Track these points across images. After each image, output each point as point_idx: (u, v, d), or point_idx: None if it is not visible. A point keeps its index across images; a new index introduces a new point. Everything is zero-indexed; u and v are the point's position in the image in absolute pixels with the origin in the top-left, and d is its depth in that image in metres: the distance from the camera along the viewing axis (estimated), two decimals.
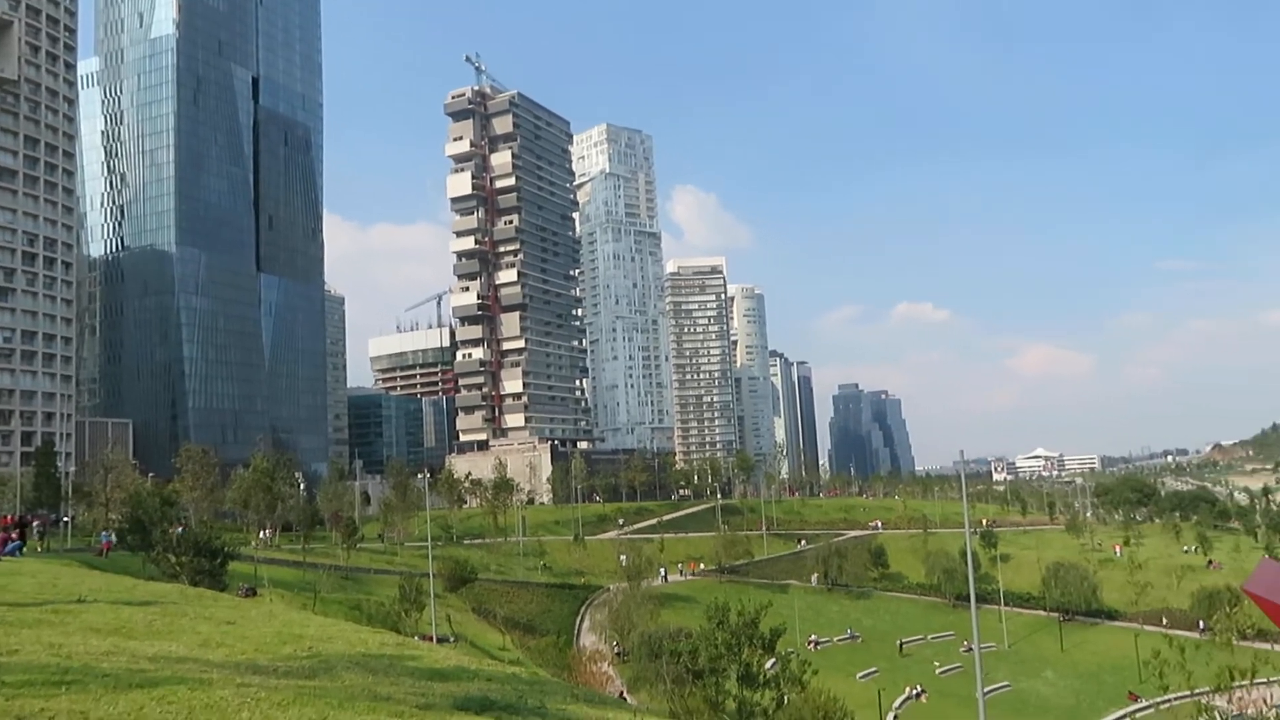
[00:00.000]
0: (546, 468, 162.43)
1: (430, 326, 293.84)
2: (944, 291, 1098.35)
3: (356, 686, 9.49)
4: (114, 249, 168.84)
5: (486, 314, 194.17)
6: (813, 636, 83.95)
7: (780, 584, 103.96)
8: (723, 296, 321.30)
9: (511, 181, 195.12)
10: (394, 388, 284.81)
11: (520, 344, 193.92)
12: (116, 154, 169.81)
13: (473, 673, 12.62)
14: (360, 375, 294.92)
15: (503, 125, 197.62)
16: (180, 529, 55.24)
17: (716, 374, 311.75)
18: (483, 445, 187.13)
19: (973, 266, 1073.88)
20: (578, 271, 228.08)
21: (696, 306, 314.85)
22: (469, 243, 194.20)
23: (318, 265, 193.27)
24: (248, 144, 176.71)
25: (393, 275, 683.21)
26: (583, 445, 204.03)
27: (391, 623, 50.24)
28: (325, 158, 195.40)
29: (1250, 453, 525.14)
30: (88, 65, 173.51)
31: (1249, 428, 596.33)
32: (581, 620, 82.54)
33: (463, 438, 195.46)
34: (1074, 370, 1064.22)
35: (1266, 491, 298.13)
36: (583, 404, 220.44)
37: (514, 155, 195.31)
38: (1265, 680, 42.84)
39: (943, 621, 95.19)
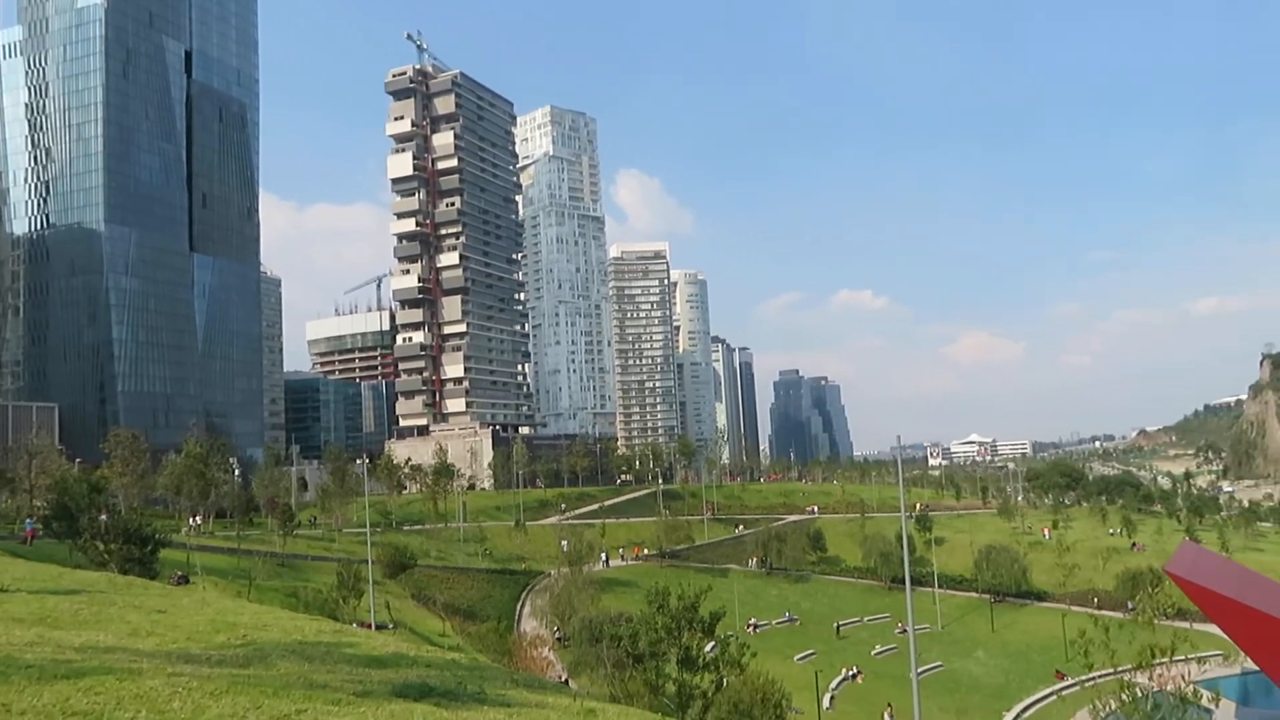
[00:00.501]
0: (488, 453, 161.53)
1: (370, 310, 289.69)
2: (883, 279, 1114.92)
3: (292, 674, 9.35)
4: (39, 226, 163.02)
5: (427, 297, 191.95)
6: (752, 620, 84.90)
7: (721, 568, 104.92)
8: (666, 282, 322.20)
9: (454, 163, 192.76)
10: (332, 372, 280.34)
11: (462, 328, 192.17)
12: (41, 128, 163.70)
13: (411, 659, 12.54)
14: (297, 359, 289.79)
15: (445, 105, 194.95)
16: (104, 516, 53.74)
17: (659, 359, 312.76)
18: (423, 430, 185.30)
19: (911, 255, 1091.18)
20: (520, 255, 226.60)
21: (640, 291, 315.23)
22: (410, 225, 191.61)
23: (253, 245, 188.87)
24: (180, 120, 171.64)
25: (331, 257, 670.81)
26: (524, 430, 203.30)
27: (329, 610, 49.60)
28: (262, 135, 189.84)
29: (1173, 438, 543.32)
30: (10, 34, 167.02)
31: (1173, 414, 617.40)
32: (522, 606, 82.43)
33: (403, 423, 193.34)
34: (1007, 358, 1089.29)
35: (1188, 476, 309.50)
36: (525, 389, 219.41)
37: (456, 136, 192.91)
38: (1184, 658, 44.45)
39: (879, 604, 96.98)
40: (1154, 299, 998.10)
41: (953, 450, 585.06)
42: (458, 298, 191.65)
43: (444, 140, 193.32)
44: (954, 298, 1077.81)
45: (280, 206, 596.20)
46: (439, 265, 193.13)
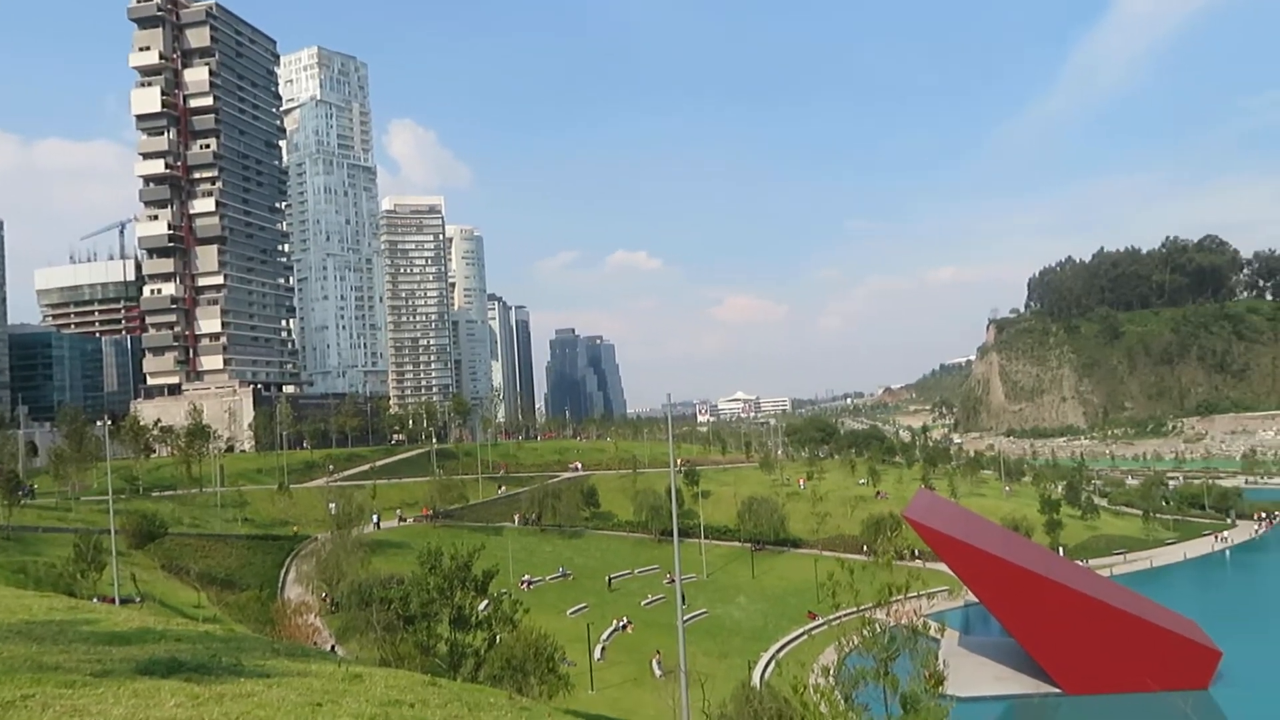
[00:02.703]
0: (248, 413, 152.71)
1: (112, 258, 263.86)
2: (658, 241, 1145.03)
3: (18, 657, 8.57)
4: None
5: (179, 246, 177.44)
6: (526, 576, 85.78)
7: (495, 526, 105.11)
8: (441, 237, 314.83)
9: (209, 101, 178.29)
10: (67, 325, 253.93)
11: (219, 280, 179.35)
12: None
13: (159, 634, 11.75)
14: (25, 310, 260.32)
15: (198, 38, 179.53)
16: None
17: (433, 316, 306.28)
18: (175, 390, 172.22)
19: (684, 218, 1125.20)
20: (285, 204, 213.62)
21: (413, 246, 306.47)
22: (158, 166, 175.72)
23: None
24: None
25: (67, 198, 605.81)
26: (289, 389, 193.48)
27: (65, 586, 45.60)
28: None
29: (914, 395, 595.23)
30: None
31: (914, 373, 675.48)
32: (287, 572, 79.17)
33: (151, 381, 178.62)
34: (771, 319, 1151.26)
35: (925, 429, 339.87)
36: (289, 345, 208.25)
37: (212, 73, 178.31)
38: (917, 594, 49.04)
39: (649, 556, 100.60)
40: (900, 266, 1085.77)
41: (720, 407, 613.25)
42: (214, 247, 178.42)
43: (197, 76, 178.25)
44: (723, 261, 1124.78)
45: (3, 139, 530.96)
46: (192, 212, 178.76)
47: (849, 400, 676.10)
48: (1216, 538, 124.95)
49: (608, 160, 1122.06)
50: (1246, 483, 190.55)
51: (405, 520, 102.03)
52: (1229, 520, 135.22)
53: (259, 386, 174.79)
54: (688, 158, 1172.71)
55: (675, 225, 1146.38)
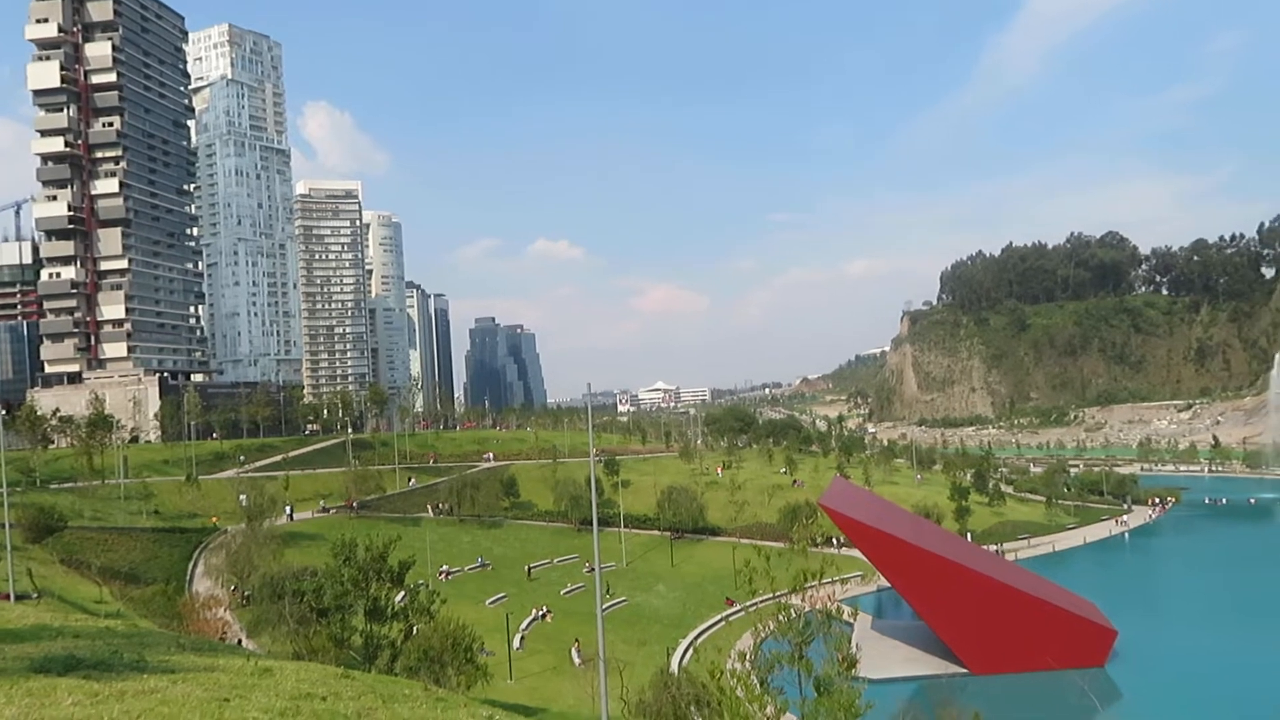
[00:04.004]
0: (154, 402, 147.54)
1: (6, 239, 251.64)
2: (579, 230, 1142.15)
3: None
4: None
5: (80, 228, 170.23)
6: (444, 567, 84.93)
7: (413, 517, 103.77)
8: (358, 223, 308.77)
9: (112, 77, 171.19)
10: None
11: (123, 264, 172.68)
12: None
13: (56, 630, 11.30)
14: None
15: (100, 11, 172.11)
16: None
17: (350, 304, 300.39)
18: (75, 378, 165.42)
19: (607, 207, 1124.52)
20: (194, 186, 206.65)
21: (329, 232, 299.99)
22: (57, 144, 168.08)
23: None
24: None
25: None
26: (198, 378, 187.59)
27: None
28: None
29: (830, 385, 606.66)
30: None
31: (831, 364, 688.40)
32: (195, 565, 76.87)
33: (49, 369, 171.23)
34: (692, 309, 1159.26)
35: (840, 419, 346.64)
36: (198, 333, 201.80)
37: (115, 47, 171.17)
38: (831, 580, 50.03)
39: (569, 545, 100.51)
40: (818, 259, 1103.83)
41: (640, 397, 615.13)
42: (118, 230, 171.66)
43: (99, 51, 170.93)
44: (645, 251, 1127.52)
45: None
46: (95, 192, 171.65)
47: (767, 390, 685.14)
48: (1117, 521, 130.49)
49: (530, 148, 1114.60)
50: (1142, 470, 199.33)
51: (329, 511, 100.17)
52: (1125, 506, 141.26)
53: (165, 375, 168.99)
54: (611, 147, 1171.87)
55: (598, 215, 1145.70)
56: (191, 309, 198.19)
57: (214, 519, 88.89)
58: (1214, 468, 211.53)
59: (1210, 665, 61.47)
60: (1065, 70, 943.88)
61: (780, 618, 23.84)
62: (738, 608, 74.67)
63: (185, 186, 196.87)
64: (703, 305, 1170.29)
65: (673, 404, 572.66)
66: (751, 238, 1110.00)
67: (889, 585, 76.28)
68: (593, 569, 69.12)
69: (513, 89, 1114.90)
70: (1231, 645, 65.83)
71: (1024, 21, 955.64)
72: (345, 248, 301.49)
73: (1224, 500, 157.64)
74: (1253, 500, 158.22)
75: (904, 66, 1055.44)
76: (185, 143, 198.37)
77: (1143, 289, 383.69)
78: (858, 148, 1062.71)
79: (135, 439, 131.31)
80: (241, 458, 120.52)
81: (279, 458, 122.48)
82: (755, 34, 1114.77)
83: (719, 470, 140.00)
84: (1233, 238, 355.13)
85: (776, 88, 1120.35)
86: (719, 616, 78.45)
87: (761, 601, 25.71)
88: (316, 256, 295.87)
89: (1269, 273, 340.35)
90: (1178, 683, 58.67)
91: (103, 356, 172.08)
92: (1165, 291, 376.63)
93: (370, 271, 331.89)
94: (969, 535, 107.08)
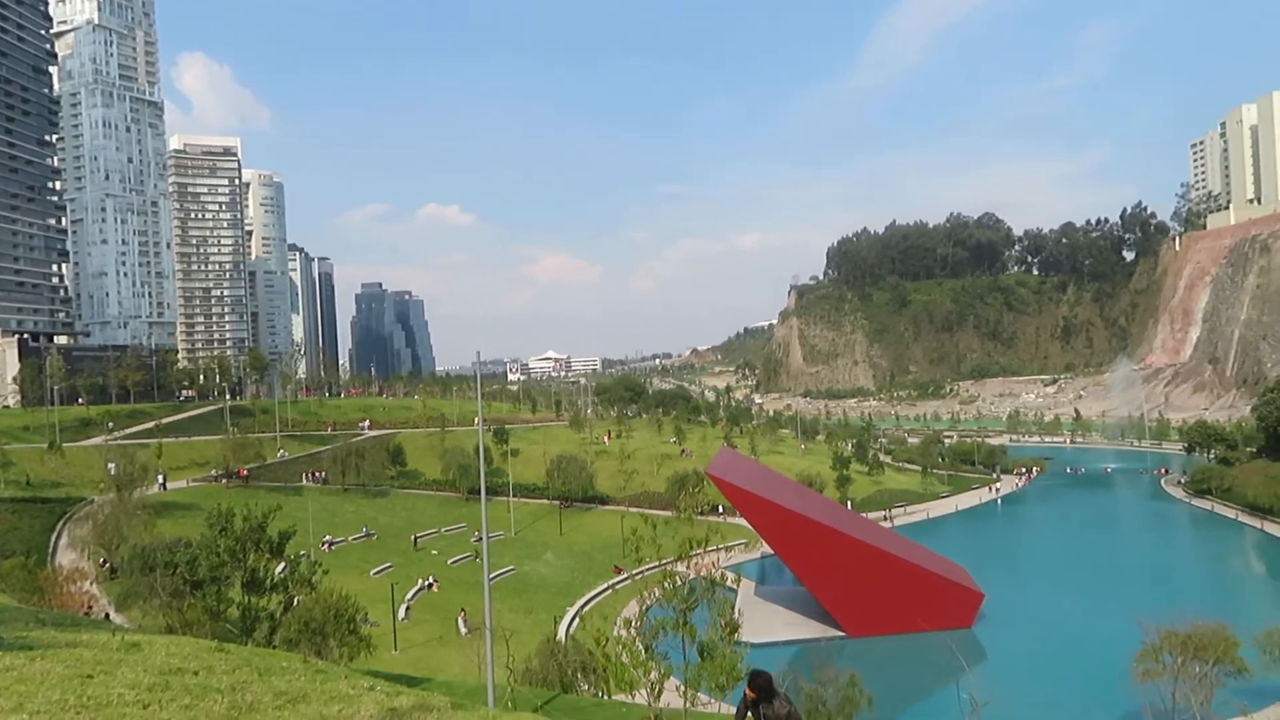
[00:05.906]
0: (14, 365, 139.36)
1: None
2: (470, 196, 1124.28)
3: None
4: None
5: None
6: (327, 537, 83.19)
7: (294, 487, 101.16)
8: (237, 181, 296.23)
9: None
10: None
11: None
12: None
13: None
14: None
15: None
16: None
17: (228, 266, 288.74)
18: None
19: (499, 173, 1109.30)
20: (57, 137, 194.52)
21: (206, 190, 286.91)
22: None
23: None
24: None
25: None
26: (62, 340, 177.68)
27: None
28: None
29: (719, 356, 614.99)
30: None
31: (720, 335, 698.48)
32: (59, 537, 73.19)
33: None
34: (585, 279, 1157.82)
35: (728, 390, 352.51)
36: (61, 293, 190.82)
37: None
38: (715, 547, 51.05)
39: (456, 514, 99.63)
40: (710, 231, 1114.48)
41: (531, 366, 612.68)
42: None
43: None
44: (538, 219, 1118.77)
45: None
46: None
47: (658, 361, 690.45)
48: (991, 489, 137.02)
49: (420, 111, 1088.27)
50: (1011, 440, 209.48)
51: (222, 480, 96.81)
52: (995, 475, 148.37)
53: (25, 336, 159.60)
54: (503, 114, 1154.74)
55: (490, 181, 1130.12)
56: (54, 267, 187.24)
57: (59, 490, 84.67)
58: (1076, 439, 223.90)
59: (1067, 625, 65.53)
60: (952, 53, 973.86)
61: (666, 585, 24.21)
62: (625, 576, 75.51)
63: (47, 137, 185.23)
64: (595, 275, 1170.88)
65: (564, 373, 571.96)
66: (644, 208, 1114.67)
67: (772, 552, 78.31)
68: (480, 538, 68.75)
69: (403, 48, 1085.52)
70: (1086, 605, 70.26)
71: (914, 2, 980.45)
72: (223, 207, 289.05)
73: (1083, 470, 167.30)
74: (1108, 469, 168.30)
75: (795, 40, 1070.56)
76: (47, 90, 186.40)
77: (1015, 269, 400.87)
78: (750, 121, 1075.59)
79: None
80: (110, 424, 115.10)
81: (151, 424, 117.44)
82: (650, 2, 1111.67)
83: (606, 439, 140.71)
84: (1098, 221, 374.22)
85: (668, 57, 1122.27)
86: (606, 585, 79.21)
87: (648, 569, 26.05)
88: (192, 215, 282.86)
89: (1130, 256, 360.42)
90: (1037, 642, 62.33)
91: None
92: (1036, 272, 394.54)
93: (250, 233, 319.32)
94: (849, 503, 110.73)
